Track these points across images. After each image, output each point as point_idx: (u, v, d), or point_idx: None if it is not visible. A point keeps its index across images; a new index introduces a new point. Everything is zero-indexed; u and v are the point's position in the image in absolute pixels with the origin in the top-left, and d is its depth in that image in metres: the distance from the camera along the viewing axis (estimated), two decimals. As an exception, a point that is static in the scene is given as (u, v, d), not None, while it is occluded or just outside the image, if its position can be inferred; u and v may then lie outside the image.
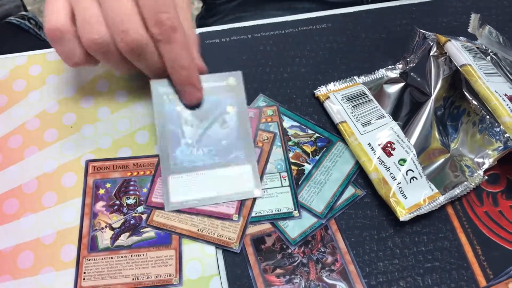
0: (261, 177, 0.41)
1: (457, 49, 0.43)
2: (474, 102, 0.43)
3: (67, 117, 0.44)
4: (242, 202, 0.40)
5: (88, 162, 0.41)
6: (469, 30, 0.46)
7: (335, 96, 0.45)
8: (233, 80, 0.42)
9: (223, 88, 0.42)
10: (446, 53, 0.44)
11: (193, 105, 0.41)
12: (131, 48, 0.35)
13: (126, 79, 0.46)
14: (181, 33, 0.36)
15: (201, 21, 0.86)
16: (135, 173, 0.41)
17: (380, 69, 0.47)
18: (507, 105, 0.40)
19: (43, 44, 0.80)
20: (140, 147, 0.42)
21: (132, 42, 0.35)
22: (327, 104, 0.45)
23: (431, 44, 0.45)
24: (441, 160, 0.42)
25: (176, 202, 0.39)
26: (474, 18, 0.45)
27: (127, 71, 0.39)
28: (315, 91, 0.46)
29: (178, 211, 0.39)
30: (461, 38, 0.46)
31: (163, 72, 0.39)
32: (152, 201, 0.39)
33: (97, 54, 0.37)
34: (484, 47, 0.46)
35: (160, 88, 0.41)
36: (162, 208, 0.39)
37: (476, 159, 0.41)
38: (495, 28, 0.47)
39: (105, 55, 0.36)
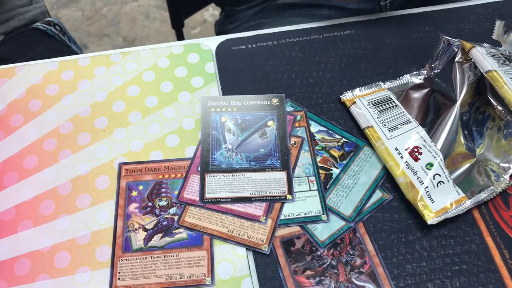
0: (291, 179, 0.42)
1: (482, 55, 0.44)
2: (499, 108, 0.43)
3: (99, 121, 0.45)
4: (270, 205, 0.40)
5: (121, 165, 0.42)
6: (493, 36, 0.46)
7: (361, 101, 0.45)
8: (276, 100, 0.46)
9: (267, 106, 0.45)
10: (471, 59, 0.44)
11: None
12: None
13: (155, 84, 0.47)
14: None
15: (220, 27, 0.87)
16: (166, 176, 0.42)
17: (404, 75, 0.48)
18: (533, 110, 0.41)
19: (67, 49, 0.81)
20: (170, 150, 0.43)
21: None
22: (353, 109, 0.45)
23: (456, 50, 0.45)
24: (467, 165, 0.42)
25: (210, 198, 0.40)
26: (498, 25, 0.46)
27: None
28: (341, 96, 0.47)
29: (210, 209, 0.40)
30: (485, 44, 0.47)
31: None
32: (184, 197, 0.41)
33: None
34: (508, 53, 0.46)
35: (209, 102, 0.45)
36: (193, 204, 0.40)
37: (502, 164, 0.42)
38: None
39: None
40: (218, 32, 0.89)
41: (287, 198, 0.41)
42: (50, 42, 0.79)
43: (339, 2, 0.78)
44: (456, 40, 0.46)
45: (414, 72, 0.48)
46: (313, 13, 0.78)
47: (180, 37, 0.98)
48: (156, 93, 0.47)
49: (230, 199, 0.41)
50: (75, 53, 0.82)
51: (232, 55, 0.50)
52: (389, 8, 0.80)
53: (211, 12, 1.63)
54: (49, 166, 0.42)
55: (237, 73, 0.48)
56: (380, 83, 0.47)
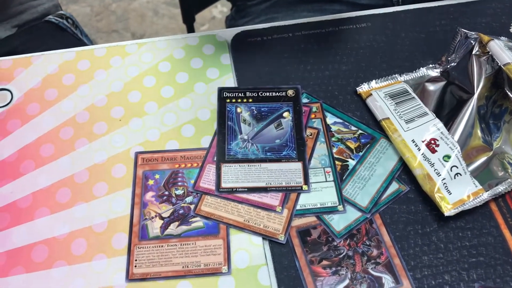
0: (307, 170, 0.42)
1: (500, 48, 0.44)
2: (517, 101, 0.43)
3: (115, 111, 0.45)
4: (286, 195, 0.40)
5: (137, 154, 0.42)
6: (511, 30, 0.46)
7: (377, 94, 0.45)
8: (291, 92, 0.46)
9: (283, 97, 0.45)
10: (488, 52, 0.44)
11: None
12: None
13: (171, 74, 0.47)
14: None
15: (231, 22, 0.87)
16: (182, 165, 0.42)
17: (421, 68, 0.48)
18: (552, 103, 0.41)
19: (79, 43, 0.82)
20: (186, 140, 0.43)
21: None
22: (370, 101, 0.45)
23: (473, 43, 0.45)
24: (484, 158, 0.42)
25: (226, 188, 0.40)
26: (517, 18, 0.46)
27: None
28: (357, 88, 0.46)
29: (226, 198, 0.40)
30: (502, 38, 0.47)
31: None
32: (200, 186, 0.41)
33: None
34: (526, 47, 0.46)
35: (225, 92, 0.46)
36: (210, 194, 0.40)
37: (519, 157, 0.42)
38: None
39: None
40: (229, 27, 0.88)
41: (303, 189, 0.41)
42: (62, 35, 0.79)
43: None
44: (473, 33, 0.46)
45: (430, 65, 0.48)
46: (325, 8, 0.78)
47: (190, 32, 0.98)
48: (172, 84, 0.47)
49: (246, 189, 0.41)
50: (86, 45, 0.82)
51: (248, 47, 0.50)
52: (401, 4, 0.80)
53: (220, 9, 1.64)
54: (65, 155, 0.43)
55: (252, 65, 0.48)
56: (396, 75, 0.47)
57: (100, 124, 0.44)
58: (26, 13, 0.76)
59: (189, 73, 0.48)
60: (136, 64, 0.48)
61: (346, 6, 0.79)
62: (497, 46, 0.44)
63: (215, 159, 0.42)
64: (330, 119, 0.45)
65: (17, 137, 0.43)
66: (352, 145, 0.43)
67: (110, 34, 1.69)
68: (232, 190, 0.41)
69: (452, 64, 0.46)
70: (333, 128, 0.44)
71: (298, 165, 0.42)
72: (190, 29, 0.98)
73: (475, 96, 0.44)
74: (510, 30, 0.46)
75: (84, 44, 0.83)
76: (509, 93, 0.44)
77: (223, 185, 0.41)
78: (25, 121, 0.44)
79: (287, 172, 0.41)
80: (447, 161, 0.40)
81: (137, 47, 0.49)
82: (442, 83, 0.46)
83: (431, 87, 0.46)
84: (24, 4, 0.76)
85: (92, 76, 0.47)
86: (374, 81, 0.47)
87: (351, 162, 0.42)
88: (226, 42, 0.50)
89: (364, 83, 0.47)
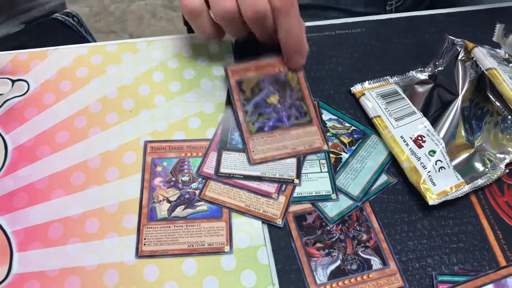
0: (303, 163, 0.45)
1: (483, 54, 0.48)
2: (497, 104, 0.47)
3: (126, 102, 0.48)
4: (282, 184, 0.44)
5: (146, 142, 0.46)
6: (494, 39, 0.50)
7: (370, 93, 0.49)
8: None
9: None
10: (473, 58, 0.48)
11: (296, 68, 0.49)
12: (256, 17, 0.43)
13: (178, 71, 0.51)
14: (297, 8, 0.44)
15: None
16: (188, 154, 0.45)
17: (410, 71, 0.51)
18: (528, 106, 0.44)
19: (84, 40, 0.85)
20: (192, 131, 0.47)
21: (258, 12, 0.43)
22: (363, 100, 0.49)
23: (459, 49, 0.49)
24: (466, 154, 0.46)
25: (224, 173, 0.44)
26: (499, 28, 0.50)
27: (242, 36, 0.47)
28: (351, 88, 0.50)
29: (228, 184, 0.43)
30: (485, 46, 0.51)
31: (273, 40, 0.47)
32: (203, 171, 0.44)
33: (224, 22, 0.44)
34: (507, 55, 0.50)
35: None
36: (211, 178, 0.43)
37: (498, 154, 0.45)
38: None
39: (230, 23, 0.44)
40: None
41: (295, 182, 0.44)
42: (68, 33, 0.82)
43: (347, 5, 0.82)
44: (459, 40, 0.50)
45: (420, 69, 0.52)
46: (322, 15, 0.82)
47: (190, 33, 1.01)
48: (179, 79, 0.50)
49: (242, 176, 0.44)
50: (88, 42, 0.85)
51: (250, 47, 0.53)
52: (395, 13, 0.84)
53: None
54: (79, 141, 0.46)
55: (254, 64, 0.52)
56: (388, 77, 0.51)
57: (112, 114, 0.47)
58: (34, 10, 0.79)
59: (196, 69, 0.51)
60: (146, 61, 0.51)
61: (343, 14, 0.83)
62: (480, 53, 0.48)
63: (218, 147, 0.45)
64: (326, 115, 0.48)
65: (34, 124, 0.46)
66: (346, 140, 0.47)
67: (108, 34, 1.72)
68: (229, 176, 0.44)
69: (440, 68, 0.50)
70: (328, 124, 0.48)
71: (293, 160, 0.45)
72: (190, 31, 1.01)
73: (460, 98, 0.48)
74: (493, 39, 0.50)
75: (88, 42, 0.86)
76: (490, 96, 0.47)
77: (222, 170, 0.44)
78: (41, 109, 0.47)
79: (282, 164, 0.45)
80: (432, 156, 0.44)
81: (146, 45, 0.53)
82: (429, 86, 0.50)
83: (419, 89, 0.50)
84: (33, 1, 0.79)
85: (104, 70, 0.50)
86: (367, 82, 0.50)
87: (344, 155, 0.46)
88: (230, 42, 0.53)
89: (358, 84, 0.50)
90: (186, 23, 1.01)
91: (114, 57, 0.52)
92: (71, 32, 0.83)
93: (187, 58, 0.52)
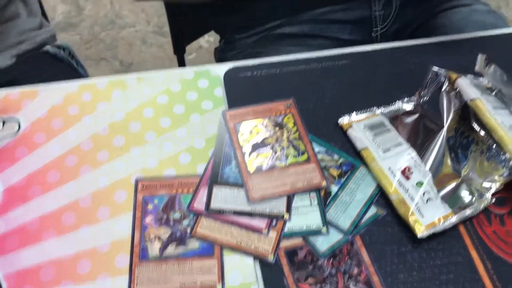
0: (293, 197, 0.46)
1: (466, 84, 0.49)
2: (482, 133, 0.48)
3: (117, 140, 0.49)
4: (272, 219, 0.44)
5: (137, 180, 0.46)
6: (476, 69, 0.51)
7: (357, 125, 0.50)
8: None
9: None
10: (456, 88, 0.49)
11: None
12: None
13: (169, 106, 0.51)
14: None
15: (220, 54, 0.92)
16: (179, 191, 0.46)
17: (396, 102, 0.52)
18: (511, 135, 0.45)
19: (75, 72, 0.85)
20: (183, 167, 0.47)
21: None
22: (350, 132, 0.50)
23: (443, 80, 0.50)
24: (453, 184, 0.46)
25: (215, 208, 0.44)
26: (480, 58, 0.51)
27: None
28: (339, 120, 0.51)
29: (218, 219, 0.43)
30: (468, 75, 0.52)
31: None
32: (194, 207, 0.45)
33: None
34: (489, 84, 0.51)
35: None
36: (202, 214, 0.44)
37: (484, 184, 0.46)
38: (499, 66, 0.53)
39: None
40: (219, 59, 0.93)
41: (285, 218, 0.44)
42: (59, 65, 0.83)
43: (334, 33, 0.83)
44: (443, 70, 0.51)
45: (405, 99, 0.53)
46: (309, 43, 0.83)
47: (181, 62, 1.02)
48: (170, 115, 0.51)
49: (232, 211, 0.44)
50: (81, 76, 0.86)
51: (239, 81, 0.54)
52: (380, 39, 0.86)
53: (207, 39, 1.69)
54: (70, 181, 0.46)
55: (243, 98, 0.53)
56: (374, 108, 0.52)
57: (103, 152, 0.48)
58: (25, 43, 0.80)
59: (185, 105, 0.52)
60: (136, 97, 0.52)
61: (329, 41, 0.84)
62: (464, 83, 0.49)
63: (209, 181, 0.46)
64: (315, 147, 0.49)
65: (25, 164, 0.47)
66: (335, 172, 0.48)
67: (99, 62, 1.73)
68: (220, 211, 0.44)
69: (425, 98, 0.51)
70: (318, 156, 0.48)
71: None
72: (181, 60, 1.02)
73: (445, 128, 0.49)
74: (475, 69, 0.51)
75: (79, 74, 0.86)
76: (475, 125, 0.48)
77: (212, 205, 0.45)
78: (33, 149, 0.48)
79: (272, 200, 0.45)
80: (420, 187, 0.45)
81: (136, 81, 0.53)
82: (415, 116, 0.51)
83: (406, 119, 0.51)
84: (23, 34, 0.80)
85: (95, 107, 0.51)
86: (354, 113, 0.51)
87: (334, 188, 0.46)
88: (219, 77, 0.54)
89: (345, 115, 0.51)
90: (176, 51, 1.03)
91: (105, 94, 0.52)
92: (62, 64, 0.84)
93: (177, 93, 0.53)
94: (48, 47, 0.83)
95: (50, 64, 0.81)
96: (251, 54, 0.84)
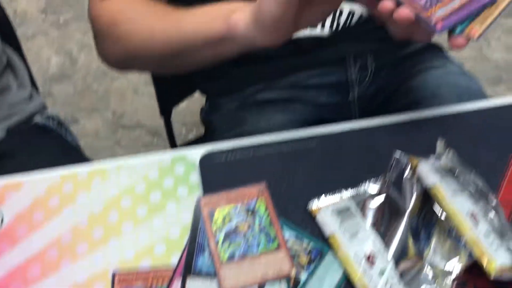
0: (263, 286, 0.48)
1: (426, 170, 0.52)
2: (443, 218, 0.50)
3: (96, 231, 0.51)
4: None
5: (114, 274, 0.48)
6: (436, 153, 0.54)
7: (325, 211, 0.52)
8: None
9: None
10: (418, 173, 0.52)
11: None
12: None
13: (145, 195, 0.54)
14: None
15: (205, 116, 0.95)
16: (154, 283, 0.48)
17: (364, 184, 0.55)
18: (469, 221, 0.48)
19: (63, 141, 0.88)
20: (158, 258, 0.49)
21: None
22: (319, 218, 0.52)
23: (405, 166, 0.53)
24: (416, 268, 0.49)
25: None
26: (440, 144, 0.54)
27: None
28: (308, 205, 0.53)
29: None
30: (431, 157, 0.55)
31: None
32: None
33: None
34: (449, 167, 0.54)
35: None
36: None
37: (446, 267, 0.48)
38: (459, 147, 0.56)
39: None
40: (203, 120, 0.96)
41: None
42: (48, 136, 0.86)
43: (312, 97, 0.87)
44: (405, 156, 0.54)
45: (372, 182, 0.55)
46: (289, 107, 0.87)
47: (167, 122, 1.06)
48: (146, 203, 0.53)
49: None
50: (69, 144, 0.89)
51: (214, 166, 0.57)
52: (357, 102, 0.89)
53: (195, 96, 1.73)
54: (51, 276, 0.48)
55: (218, 184, 0.55)
56: (342, 192, 0.54)
57: (82, 245, 0.50)
58: (16, 116, 0.83)
59: (162, 192, 0.54)
60: (115, 186, 0.55)
61: (308, 105, 0.87)
62: (424, 169, 0.52)
63: (182, 273, 0.48)
64: (286, 232, 0.51)
65: (7, 259, 0.49)
66: (304, 259, 0.50)
67: (92, 113, 1.77)
68: None
69: (389, 182, 0.54)
70: (289, 243, 0.51)
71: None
72: (168, 121, 1.06)
73: (408, 212, 0.51)
74: (436, 153, 0.54)
75: (68, 143, 0.89)
76: (436, 209, 0.51)
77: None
78: (15, 243, 0.50)
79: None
80: (383, 274, 0.47)
81: (115, 169, 0.56)
82: (381, 200, 0.53)
83: (372, 203, 0.53)
84: (14, 107, 0.83)
85: (75, 198, 0.54)
86: (323, 197, 0.54)
87: (303, 275, 0.49)
88: (195, 162, 0.57)
89: (315, 199, 0.54)
90: (163, 113, 1.06)
91: (85, 184, 0.55)
92: (51, 135, 0.87)
93: (154, 180, 0.55)
94: (37, 118, 0.86)
95: (39, 136, 0.84)
96: (233, 119, 0.87)
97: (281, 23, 0.52)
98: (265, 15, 0.51)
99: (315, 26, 0.77)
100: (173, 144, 1.07)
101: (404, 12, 0.48)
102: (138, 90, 1.82)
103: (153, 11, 0.66)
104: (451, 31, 0.49)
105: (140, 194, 0.54)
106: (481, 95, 0.85)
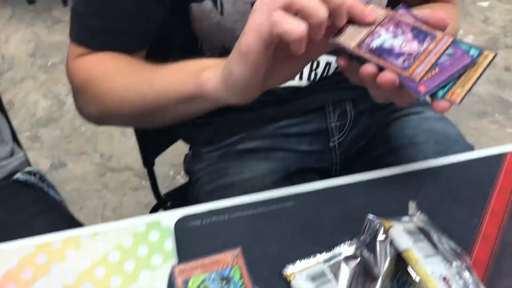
0: None
1: (399, 234, 0.52)
2: (417, 279, 0.50)
3: (68, 305, 0.50)
4: None
5: None
6: (409, 214, 0.55)
7: (299, 276, 0.52)
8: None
9: None
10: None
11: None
12: None
13: (119, 264, 0.54)
14: None
15: (188, 166, 0.95)
16: None
17: (338, 246, 0.55)
18: (442, 285, 0.48)
19: (45, 196, 0.88)
20: (131, 331, 0.49)
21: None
22: (293, 283, 0.52)
23: (378, 228, 0.53)
24: (392, 335, 0.48)
25: None
26: (411, 206, 0.55)
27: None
28: (282, 270, 0.53)
29: None
30: (404, 218, 0.55)
31: None
32: None
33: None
34: (421, 228, 0.54)
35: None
36: None
37: (421, 333, 0.48)
38: (432, 206, 0.56)
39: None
40: (186, 170, 0.96)
41: None
42: (29, 192, 0.85)
43: (294, 146, 0.88)
44: (377, 219, 0.54)
45: (347, 244, 0.55)
46: (271, 156, 0.87)
47: (151, 174, 1.06)
48: (120, 273, 0.53)
49: None
50: (51, 200, 0.88)
51: (189, 231, 0.57)
52: (338, 148, 0.90)
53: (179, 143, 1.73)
54: None
55: (193, 249, 0.55)
56: (317, 255, 0.54)
57: (54, 320, 0.50)
58: (-3, 173, 0.82)
59: (136, 261, 0.54)
60: (89, 255, 0.54)
61: (289, 153, 0.88)
62: (396, 233, 0.52)
63: None
64: (260, 302, 0.51)
65: (-23, 338, 0.48)
66: (278, 328, 0.49)
67: (80, 156, 1.77)
68: None
69: (363, 245, 0.54)
70: (262, 312, 0.50)
71: None
72: (151, 172, 1.06)
73: (382, 274, 0.51)
74: (408, 214, 0.54)
75: (50, 197, 0.89)
76: (410, 271, 0.51)
77: None
78: (-14, 320, 0.49)
79: None
80: None
81: (90, 237, 0.56)
82: (355, 262, 0.53)
83: (346, 266, 0.53)
84: (-5, 165, 0.83)
85: (49, 269, 0.53)
86: (298, 262, 0.54)
87: None
88: (169, 228, 0.57)
89: (289, 265, 0.54)
90: (145, 164, 1.06)
91: (59, 254, 0.54)
92: (32, 191, 0.86)
93: (128, 248, 0.55)
94: (18, 175, 0.86)
95: (20, 192, 0.84)
96: (216, 170, 0.88)
97: (250, 85, 0.52)
98: (234, 77, 0.51)
99: (291, 80, 0.79)
100: (157, 195, 1.07)
101: (389, 76, 0.47)
102: (126, 132, 1.82)
103: (126, 69, 0.66)
104: (433, 95, 0.49)
105: (114, 264, 0.54)
106: (458, 140, 0.87)
